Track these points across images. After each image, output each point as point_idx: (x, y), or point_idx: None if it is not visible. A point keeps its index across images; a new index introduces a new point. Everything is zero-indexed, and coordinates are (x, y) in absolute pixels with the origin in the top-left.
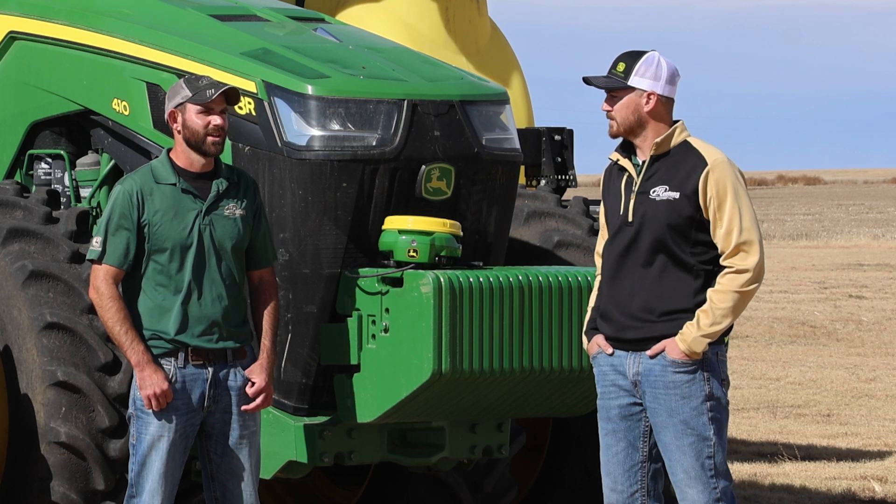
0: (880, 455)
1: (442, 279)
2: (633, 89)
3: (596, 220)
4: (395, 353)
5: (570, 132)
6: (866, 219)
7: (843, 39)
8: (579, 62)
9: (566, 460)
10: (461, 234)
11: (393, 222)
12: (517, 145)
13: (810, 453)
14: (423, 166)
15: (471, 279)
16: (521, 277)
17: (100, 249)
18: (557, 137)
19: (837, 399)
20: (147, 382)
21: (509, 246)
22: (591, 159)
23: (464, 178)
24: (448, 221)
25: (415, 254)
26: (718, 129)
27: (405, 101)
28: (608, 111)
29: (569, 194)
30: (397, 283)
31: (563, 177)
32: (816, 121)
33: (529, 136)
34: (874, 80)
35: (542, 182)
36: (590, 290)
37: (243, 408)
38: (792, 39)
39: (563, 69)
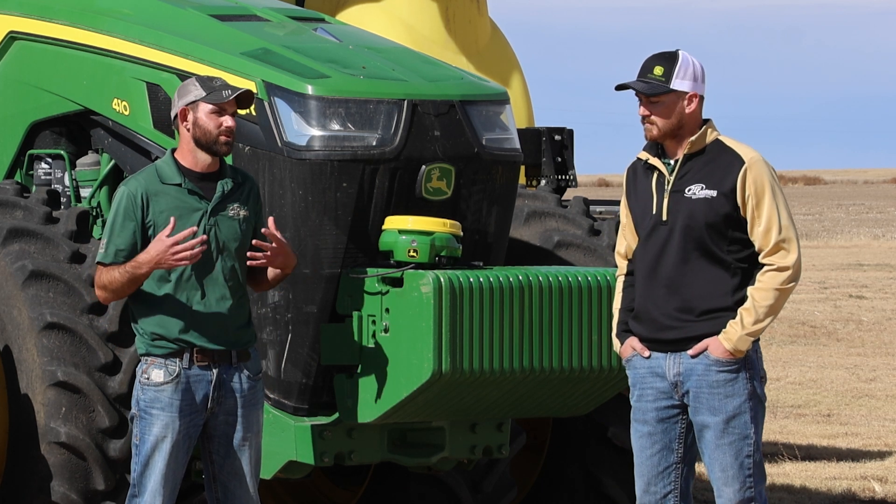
0: (880, 455)
1: (442, 279)
2: (675, 92)
3: (596, 220)
4: (395, 353)
5: (570, 132)
6: (866, 219)
7: (843, 39)
8: (579, 62)
9: (566, 460)
10: (461, 234)
11: (393, 222)
12: (517, 145)
13: (810, 453)
14: (424, 166)
15: (471, 279)
16: (521, 277)
17: (103, 251)
18: (557, 137)
19: (837, 399)
20: (155, 249)
21: (509, 246)
22: (591, 159)
23: (464, 178)
24: (448, 221)
25: (415, 254)
26: (718, 130)
27: (405, 101)
28: (647, 116)
29: (569, 194)
30: (397, 283)
31: (563, 177)
32: (816, 121)
33: (529, 136)
34: (874, 80)
35: (542, 182)
36: (590, 290)
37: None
38: (792, 39)
39: (563, 69)
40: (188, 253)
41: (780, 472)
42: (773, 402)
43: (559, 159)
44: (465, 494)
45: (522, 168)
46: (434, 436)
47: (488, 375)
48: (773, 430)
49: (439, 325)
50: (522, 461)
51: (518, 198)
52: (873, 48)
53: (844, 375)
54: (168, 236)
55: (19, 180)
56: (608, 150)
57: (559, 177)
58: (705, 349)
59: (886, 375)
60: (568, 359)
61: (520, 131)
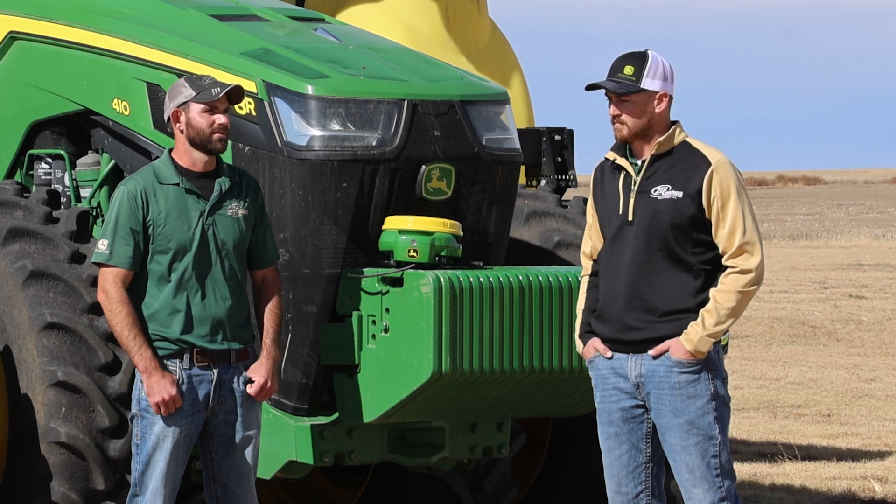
0: (880, 455)
1: (442, 279)
2: (645, 92)
3: None
4: (395, 353)
5: (570, 132)
6: (866, 219)
7: (843, 39)
8: (579, 62)
9: (566, 460)
10: (461, 234)
11: (393, 222)
12: (517, 145)
13: (810, 453)
14: (424, 166)
15: (471, 279)
16: (521, 277)
17: (107, 252)
18: (557, 137)
19: (837, 399)
20: (155, 389)
21: (509, 246)
22: (591, 159)
23: (464, 178)
24: (448, 221)
25: (415, 254)
26: (718, 129)
27: (405, 101)
28: (617, 115)
29: (569, 194)
30: (397, 283)
31: (563, 177)
32: (816, 121)
33: (529, 136)
34: (874, 80)
35: (542, 182)
36: None
37: (249, 389)
38: (792, 39)
39: (563, 69)
40: (161, 409)
41: (780, 472)
42: (773, 402)
43: (559, 159)
44: (465, 494)
45: (522, 168)
46: (434, 436)
47: (488, 375)
48: (773, 430)
49: (439, 325)
50: (522, 461)
51: (518, 198)
52: (873, 48)
53: (844, 375)
54: (177, 381)
55: (19, 180)
56: (608, 150)
57: (559, 177)
58: (666, 350)
59: (886, 375)
60: (568, 359)
61: (520, 131)
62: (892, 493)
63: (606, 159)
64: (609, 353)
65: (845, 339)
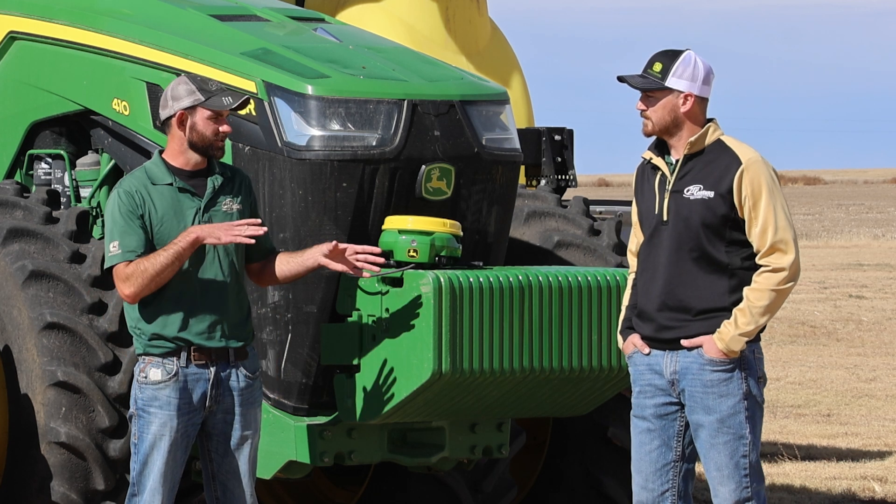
0: (880, 455)
1: (442, 279)
2: (669, 90)
3: (596, 220)
4: (395, 353)
5: (570, 132)
6: (866, 219)
7: (842, 40)
8: (579, 63)
9: (566, 460)
10: (461, 234)
11: (393, 222)
12: (517, 145)
13: (810, 453)
14: (423, 166)
15: (471, 279)
16: (521, 277)
17: (119, 251)
18: (557, 137)
19: (837, 399)
20: (206, 231)
21: (509, 246)
22: (591, 159)
23: (464, 178)
24: (448, 221)
25: (415, 254)
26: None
27: (405, 101)
28: (643, 110)
29: (569, 194)
30: (397, 283)
31: (563, 177)
32: (816, 121)
33: (529, 136)
34: (873, 80)
35: (542, 182)
36: (590, 290)
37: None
38: (792, 39)
39: (564, 70)
40: (251, 231)
41: (780, 472)
42: (773, 402)
43: (559, 159)
44: (465, 494)
45: (522, 168)
46: (434, 436)
47: (488, 375)
48: (773, 430)
49: (439, 325)
50: (522, 461)
51: (518, 198)
52: (873, 48)
53: (844, 375)
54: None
55: (19, 180)
56: (608, 150)
57: (559, 177)
58: (700, 345)
59: (886, 375)
60: (568, 359)
61: (520, 131)
62: (892, 493)
63: (643, 158)
64: (647, 350)
65: (845, 339)
